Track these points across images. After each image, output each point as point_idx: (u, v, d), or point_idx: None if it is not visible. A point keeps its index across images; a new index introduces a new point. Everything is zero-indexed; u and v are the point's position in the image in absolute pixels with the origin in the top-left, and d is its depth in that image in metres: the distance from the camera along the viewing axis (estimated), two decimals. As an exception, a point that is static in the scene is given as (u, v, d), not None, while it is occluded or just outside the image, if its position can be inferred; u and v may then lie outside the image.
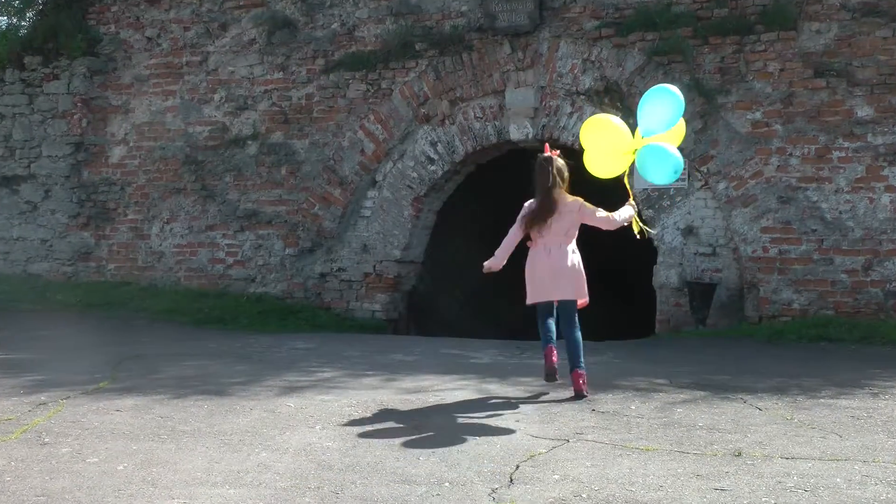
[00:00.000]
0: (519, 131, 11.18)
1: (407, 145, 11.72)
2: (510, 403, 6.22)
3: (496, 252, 6.74)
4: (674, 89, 6.49)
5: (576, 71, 10.93)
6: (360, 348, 9.02)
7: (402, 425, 5.57)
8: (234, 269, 12.33)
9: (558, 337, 6.65)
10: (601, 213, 6.74)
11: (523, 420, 5.73)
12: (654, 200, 10.61)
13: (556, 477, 4.56)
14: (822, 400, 6.39)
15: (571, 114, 10.93)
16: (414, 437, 5.31)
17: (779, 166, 10.13)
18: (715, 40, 10.37)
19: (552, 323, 6.76)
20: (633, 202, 6.86)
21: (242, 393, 6.48)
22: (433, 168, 11.62)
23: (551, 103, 11.05)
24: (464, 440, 5.23)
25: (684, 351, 8.99)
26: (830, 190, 9.97)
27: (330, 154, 11.96)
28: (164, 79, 12.80)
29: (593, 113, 10.71)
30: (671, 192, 10.53)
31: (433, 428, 5.51)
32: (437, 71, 11.54)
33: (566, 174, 6.79)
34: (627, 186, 6.78)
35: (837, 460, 4.88)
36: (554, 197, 6.70)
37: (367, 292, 11.78)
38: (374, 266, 11.79)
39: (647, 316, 10.94)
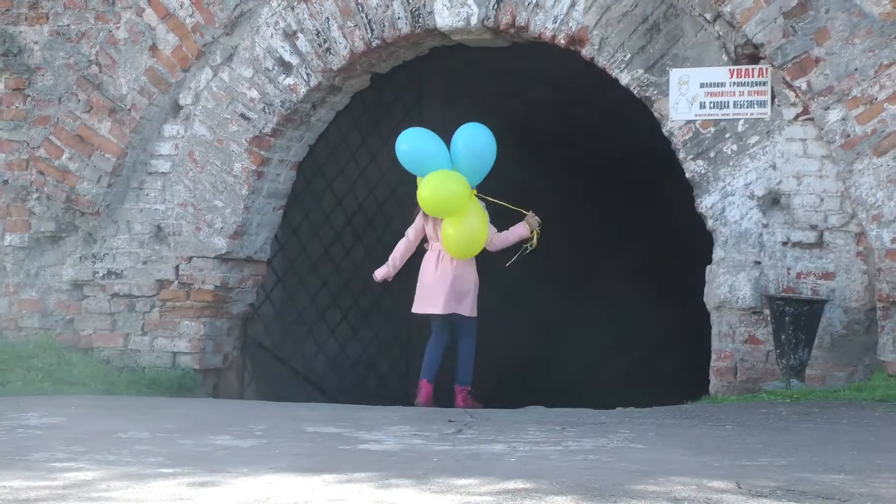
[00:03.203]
0: (453, 12, 11.16)
1: (239, 38, 11.67)
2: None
3: (390, 257, 10.93)
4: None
5: None
6: (150, 424, 8.97)
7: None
8: None
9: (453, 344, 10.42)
10: (493, 230, 11.29)
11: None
12: (709, 143, 10.65)
13: None
14: None
15: (554, -21, 10.98)
16: None
17: (939, 79, 10.27)
18: None
19: (441, 350, 11.38)
20: (532, 218, 11.35)
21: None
22: (290, 81, 11.58)
23: (515, -42, 11.08)
24: None
25: (765, 428, 9.03)
26: None
27: (91, 54, 11.83)
28: None
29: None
30: (739, 129, 10.57)
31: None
32: None
33: None
34: (510, 206, 10.77)
35: None
36: None
37: (164, 317, 11.72)
38: (178, 268, 11.75)
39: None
